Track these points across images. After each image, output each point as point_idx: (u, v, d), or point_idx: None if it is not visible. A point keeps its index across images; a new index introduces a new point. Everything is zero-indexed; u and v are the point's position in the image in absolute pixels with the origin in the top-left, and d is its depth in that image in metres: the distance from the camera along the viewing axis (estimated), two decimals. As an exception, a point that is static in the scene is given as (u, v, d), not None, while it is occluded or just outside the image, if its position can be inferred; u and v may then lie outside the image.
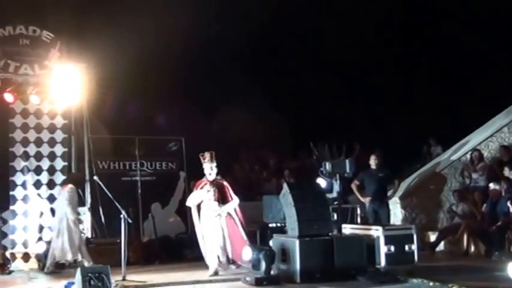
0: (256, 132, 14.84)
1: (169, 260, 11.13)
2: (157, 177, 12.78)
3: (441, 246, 11.55)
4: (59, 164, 12.04)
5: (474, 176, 11.92)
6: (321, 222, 8.76)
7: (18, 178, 11.69)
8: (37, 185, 11.81)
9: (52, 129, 12.05)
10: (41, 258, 10.89)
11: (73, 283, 8.29)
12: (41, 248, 11.03)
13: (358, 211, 11.80)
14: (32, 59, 11.50)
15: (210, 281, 8.82)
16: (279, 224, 11.16)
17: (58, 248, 10.16)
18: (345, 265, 8.47)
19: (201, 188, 9.69)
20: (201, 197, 9.59)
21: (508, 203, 10.41)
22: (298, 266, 8.35)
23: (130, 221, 9.10)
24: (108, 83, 12.04)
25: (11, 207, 11.55)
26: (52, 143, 12.03)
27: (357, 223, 11.05)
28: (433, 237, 11.70)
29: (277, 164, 14.73)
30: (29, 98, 11.60)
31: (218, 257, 9.53)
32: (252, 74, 15.17)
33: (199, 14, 13.62)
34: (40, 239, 11.52)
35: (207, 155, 9.68)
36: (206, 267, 10.43)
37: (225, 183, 9.81)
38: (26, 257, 11.46)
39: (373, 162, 11.34)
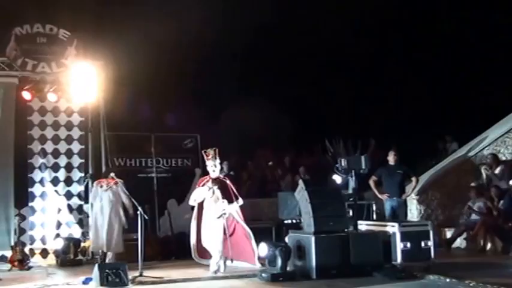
0: (271, 129, 14.86)
1: (185, 256, 11.16)
2: (173, 174, 12.83)
3: (457, 243, 11.50)
4: (76, 161, 12.16)
5: (494, 180, 11.84)
6: (336, 219, 8.77)
7: (36, 175, 11.83)
8: (54, 181, 11.94)
9: (69, 126, 12.18)
10: (59, 254, 11.02)
11: (91, 279, 8.40)
12: (58, 244, 11.14)
13: (374, 207, 11.78)
14: (49, 57, 11.59)
15: (226, 277, 8.84)
16: (294, 221, 11.19)
17: (98, 239, 10.28)
18: (361, 261, 8.47)
19: (203, 185, 9.44)
20: (203, 195, 9.34)
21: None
22: (314, 262, 8.37)
23: (146, 217, 9.14)
24: (125, 81, 12.10)
25: (30, 204, 11.70)
26: (69, 140, 12.16)
27: (372, 219, 11.03)
28: (449, 233, 11.65)
29: (292, 161, 14.74)
30: (46, 95, 11.72)
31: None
32: (267, 71, 15.19)
33: (213, 13, 13.66)
34: (58, 235, 11.65)
35: (210, 152, 9.47)
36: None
37: (228, 181, 9.59)
38: (44, 253, 11.62)
39: (391, 158, 11.26)
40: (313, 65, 15.93)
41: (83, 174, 12.09)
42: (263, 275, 8.49)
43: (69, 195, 12.00)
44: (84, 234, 11.78)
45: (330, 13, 15.46)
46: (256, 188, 14.16)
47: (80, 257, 11.13)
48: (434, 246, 8.98)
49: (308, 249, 8.49)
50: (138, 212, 8.92)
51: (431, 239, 8.92)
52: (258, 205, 13.31)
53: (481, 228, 11.00)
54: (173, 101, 13.43)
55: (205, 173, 13.22)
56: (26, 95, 11.52)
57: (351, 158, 10.13)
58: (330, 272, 8.33)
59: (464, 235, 11.43)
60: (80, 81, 11.15)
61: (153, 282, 8.45)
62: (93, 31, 11.93)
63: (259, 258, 9.37)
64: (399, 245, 8.73)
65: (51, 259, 11.36)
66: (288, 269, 8.54)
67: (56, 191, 11.90)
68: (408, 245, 8.76)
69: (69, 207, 11.96)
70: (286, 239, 9.29)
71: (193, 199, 9.42)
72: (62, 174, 12.02)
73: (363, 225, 9.56)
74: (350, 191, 10.96)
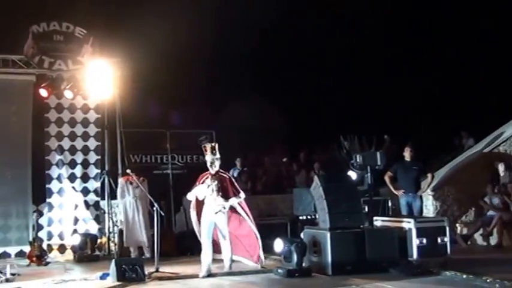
0: (286, 126, 14.85)
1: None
2: (188, 170, 12.85)
3: (474, 239, 11.45)
4: (93, 157, 12.27)
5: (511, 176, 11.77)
6: (352, 215, 8.75)
7: (54, 171, 11.96)
8: (71, 178, 12.06)
9: (85, 123, 12.28)
10: (76, 250, 11.13)
11: (108, 274, 8.46)
12: (76, 239, 11.24)
13: (390, 203, 11.76)
14: (65, 54, 11.67)
15: (242, 273, 8.84)
16: (309, 217, 11.21)
17: (136, 235, 10.48)
18: (377, 257, 8.45)
19: (203, 182, 9.05)
20: (203, 192, 8.97)
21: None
22: (329, 258, 8.37)
23: (163, 213, 9.18)
24: (140, 77, 12.18)
25: (47, 200, 11.83)
26: (85, 136, 12.26)
27: (388, 215, 11.01)
28: (465, 229, 11.60)
29: (307, 157, 14.74)
30: (62, 93, 11.82)
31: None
32: (282, 67, 15.18)
33: (228, 10, 13.68)
34: (75, 231, 11.76)
35: (208, 146, 9.11)
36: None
37: (227, 176, 9.23)
38: (61, 249, 11.76)
39: (407, 154, 11.21)
40: (328, 60, 15.90)
41: (99, 171, 12.18)
42: (279, 270, 8.51)
43: (85, 192, 12.12)
44: (101, 230, 11.91)
45: (342, 6, 15.40)
46: (272, 184, 14.19)
47: (96, 252, 11.25)
48: (450, 242, 8.95)
49: (324, 245, 8.49)
50: (155, 208, 8.96)
51: (448, 235, 8.89)
52: (273, 201, 13.35)
53: (498, 224, 10.95)
54: (189, 98, 13.47)
55: (221, 169, 13.37)
56: (43, 92, 11.63)
57: (366, 154, 10.11)
58: (345, 268, 8.32)
59: (481, 231, 11.37)
60: (96, 79, 11.23)
61: (169, 278, 8.49)
62: (108, 29, 12.04)
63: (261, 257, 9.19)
64: (415, 241, 8.70)
65: (69, 255, 11.50)
66: (303, 265, 8.55)
67: (73, 187, 12.02)
68: (424, 241, 8.72)
69: (86, 203, 12.07)
70: (302, 235, 9.29)
71: (194, 195, 9.10)
72: (78, 170, 12.13)
73: (378, 221, 9.54)
74: (365, 187, 10.94)
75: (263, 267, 9.08)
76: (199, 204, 9.16)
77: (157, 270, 8.72)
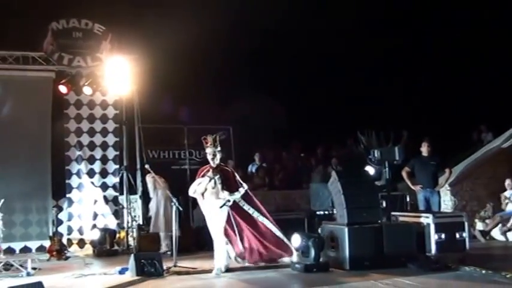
0: (303, 120, 14.84)
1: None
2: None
3: (493, 234, 11.38)
4: (111, 153, 12.38)
5: None
6: (370, 210, 8.72)
7: (73, 167, 12.09)
8: (90, 173, 12.18)
9: (104, 119, 12.40)
10: (96, 245, 11.24)
11: (127, 269, 8.53)
12: (95, 234, 11.35)
13: (408, 198, 11.72)
14: (84, 51, 11.78)
15: (259, 268, 8.85)
16: (326, 212, 11.22)
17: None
18: (395, 252, 8.41)
19: (203, 175, 8.71)
20: (204, 185, 8.62)
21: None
22: (347, 253, 8.36)
23: (181, 208, 9.23)
24: (158, 74, 12.24)
25: (67, 195, 11.97)
26: (104, 132, 12.38)
27: (406, 210, 10.98)
28: (484, 225, 11.53)
29: (324, 152, 14.73)
30: (82, 89, 11.95)
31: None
32: (300, 62, 15.15)
33: (248, 6, 13.68)
34: (94, 226, 11.88)
35: (209, 138, 8.76)
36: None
37: (229, 169, 8.89)
38: (81, 243, 11.90)
39: (424, 149, 11.16)
40: (346, 56, 15.84)
41: (117, 166, 12.29)
42: (296, 265, 8.52)
43: (104, 187, 12.24)
44: (120, 225, 12.02)
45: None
46: (289, 179, 14.20)
47: (115, 247, 11.36)
48: (468, 238, 8.90)
49: (341, 240, 8.48)
50: (173, 204, 9.02)
51: (466, 231, 8.85)
52: (290, 196, 13.38)
53: (517, 220, 10.89)
54: (206, 94, 13.51)
55: (238, 165, 13.41)
56: (63, 88, 11.77)
57: (384, 149, 10.09)
58: (363, 263, 8.30)
59: (500, 226, 11.30)
60: (115, 75, 11.35)
61: (187, 273, 8.53)
62: (126, 26, 12.11)
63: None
64: (433, 236, 8.68)
65: (88, 249, 11.63)
66: (321, 260, 8.55)
67: (92, 183, 12.15)
68: (443, 236, 8.70)
69: (105, 198, 12.20)
70: (319, 230, 9.29)
71: (193, 190, 8.73)
72: (97, 166, 12.25)
73: (396, 217, 9.53)
74: (383, 182, 10.91)
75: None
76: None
77: (175, 265, 8.76)
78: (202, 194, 8.64)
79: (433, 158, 11.19)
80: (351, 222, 8.53)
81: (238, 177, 8.85)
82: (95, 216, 12.09)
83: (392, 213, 9.57)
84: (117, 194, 12.25)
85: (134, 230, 11.20)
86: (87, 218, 12.02)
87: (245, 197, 8.82)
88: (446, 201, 12.16)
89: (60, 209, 11.64)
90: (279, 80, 14.78)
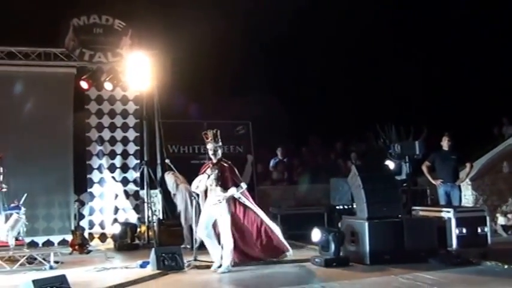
0: (323, 115, 14.81)
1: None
2: (225, 161, 12.98)
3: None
4: (132, 148, 12.46)
5: None
6: (390, 204, 8.70)
7: (94, 162, 12.20)
8: (111, 168, 12.28)
9: (125, 114, 12.48)
10: (117, 239, 11.34)
11: (148, 262, 8.60)
12: (116, 228, 11.46)
13: (428, 193, 11.66)
14: (105, 47, 11.88)
15: (279, 262, 8.86)
16: (346, 206, 11.22)
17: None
18: (415, 247, 8.40)
19: (204, 172, 8.57)
20: (204, 183, 8.47)
21: None
22: (367, 248, 8.37)
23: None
24: (178, 69, 12.29)
25: (89, 190, 12.08)
26: (125, 128, 12.46)
27: (427, 205, 10.94)
28: (506, 219, 11.43)
29: (343, 147, 14.72)
30: (102, 85, 12.03)
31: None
32: (318, 56, 15.11)
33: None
34: (115, 220, 11.99)
35: (210, 134, 8.58)
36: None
37: (227, 165, 8.55)
38: (102, 237, 12.02)
39: (445, 143, 11.09)
40: (365, 49, 15.77)
41: (138, 161, 12.38)
42: (316, 260, 8.54)
43: (125, 182, 12.33)
44: (140, 220, 12.12)
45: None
46: (308, 174, 14.21)
47: (136, 241, 11.44)
48: (490, 232, 8.85)
49: (361, 234, 8.49)
50: (193, 198, 9.05)
51: (488, 225, 8.79)
52: (310, 190, 13.39)
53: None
54: (226, 88, 13.55)
55: (257, 160, 13.46)
56: (84, 84, 11.86)
57: (405, 144, 10.07)
58: (383, 258, 8.30)
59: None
60: (135, 70, 11.42)
61: (207, 266, 8.56)
62: (147, 21, 12.16)
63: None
64: (455, 231, 8.65)
65: (109, 243, 11.74)
66: (341, 254, 8.56)
67: (113, 178, 12.25)
68: (464, 230, 8.67)
69: (126, 193, 12.29)
70: (339, 225, 9.30)
71: (195, 186, 8.62)
72: (118, 161, 12.34)
73: (417, 211, 9.50)
74: (404, 177, 10.88)
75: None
76: None
77: (195, 259, 8.82)
78: (206, 191, 8.51)
79: (453, 152, 11.12)
80: (371, 217, 8.52)
81: (237, 174, 8.59)
82: (116, 210, 12.20)
83: (413, 207, 9.54)
84: (138, 188, 12.33)
85: (155, 224, 11.28)
86: (108, 213, 12.13)
87: (244, 195, 8.62)
88: (467, 196, 12.09)
89: (82, 204, 11.77)
90: (298, 74, 14.76)
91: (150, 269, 8.44)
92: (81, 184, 11.99)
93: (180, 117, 12.70)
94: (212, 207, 8.41)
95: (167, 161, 10.43)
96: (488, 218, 8.92)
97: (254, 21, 13.80)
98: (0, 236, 9.36)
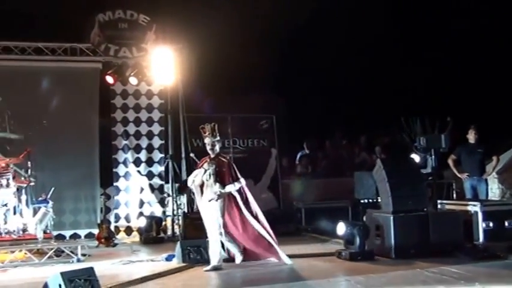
0: (347, 109, 14.75)
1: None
2: (249, 154, 13.03)
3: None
4: (157, 142, 12.56)
5: None
6: (415, 198, 8.63)
7: (120, 156, 12.33)
8: (137, 162, 12.40)
9: (149, 108, 12.58)
10: (142, 232, 11.45)
11: (173, 256, 8.67)
12: (141, 222, 11.56)
13: (454, 187, 11.56)
14: (130, 42, 11.98)
15: (303, 256, 8.89)
16: (370, 200, 11.17)
17: None
18: (441, 241, 8.32)
19: (201, 166, 8.30)
20: (200, 177, 8.19)
21: None
22: (392, 242, 8.31)
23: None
24: (202, 63, 12.31)
25: (114, 184, 12.22)
26: (150, 122, 12.56)
27: (453, 199, 10.85)
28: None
29: (367, 140, 14.64)
30: (127, 79, 12.13)
31: (226, 248, 8.44)
32: (342, 49, 15.02)
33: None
34: (141, 213, 12.10)
35: (207, 128, 8.34)
36: (300, 241, 10.66)
37: (226, 161, 8.27)
38: (128, 231, 12.16)
39: (471, 136, 10.97)
40: (389, 42, 15.65)
41: (163, 155, 12.48)
42: (341, 253, 8.52)
43: (150, 176, 12.45)
44: (165, 213, 12.21)
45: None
46: (332, 167, 14.18)
47: (161, 234, 11.54)
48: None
49: (387, 228, 8.43)
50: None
51: (515, 219, 8.70)
52: (333, 184, 13.37)
53: None
54: (249, 82, 13.53)
55: (281, 153, 13.46)
56: (109, 79, 11.98)
57: (430, 137, 9.97)
58: (409, 252, 8.24)
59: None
60: (159, 65, 11.48)
61: (232, 260, 8.53)
62: (171, 16, 12.21)
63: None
64: (481, 225, 8.55)
65: (135, 236, 11.87)
66: (366, 248, 8.54)
67: (138, 171, 12.38)
68: (491, 224, 8.57)
69: (151, 187, 12.41)
70: (364, 218, 9.26)
71: (191, 181, 8.34)
72: (143, 155, 12.46)
73: (442, 205, 9.42)
74: (429, 170, 10.79)
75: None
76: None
77: (220, 253, 8.85)
78: (201, 186, 8.22)
79: (480, 145, 10.99)
80: (396, 211, 8.46)
81: (235, 170, 8.23)
82: (141, 204, 12.32)
83: (439, 201, 9.47)
84: (163, 182, 12.44)
85: (180, 217, 11.36)
86: (133, 206, 12.26)
87: (241, 192, 8.29)
88: (494, 190, 11.94)
89: (108, 197, 11.90)
90: (322, 67, 14.67)
91: (176, 262, 8.50)
92: (107, 178, 12.13)
93: (204, 111, 12.72)
94: (209, 204, 8.12)
95: (192, 154, 10.43)
96: (515, 212, 8.80)
97: (279, 15, 13.74)
98: (29, 229, 9.53)
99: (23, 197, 9.89)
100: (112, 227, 11.54)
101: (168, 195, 12.21)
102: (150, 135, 12.53)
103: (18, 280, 7.69)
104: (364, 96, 15.28)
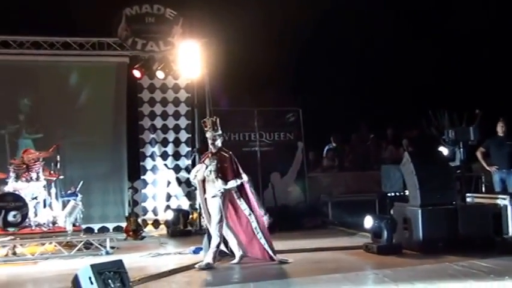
0: (374, 102, 14.62)
1: (289, 228, 11.35)
2: (276, 148, 13.02)
3: None
4: (183, 136, 12.65)
5: None
6: (444, 191, 8.54)
7: (147, 150, 12.44)
8: (164, 156, 12.50)
9: (176, 102, 12.67)
10: (170, 225, 11.54)
11: (201, 248, 8.70)
12: (169, 215, 11.65)
13: (483, 180, 11.41)
14: (157, 36, 12.08)
15: (331, 249, 8.88)
16: (397, 193, 11.09)
17: None
18: (470, 235, 8.22)
19: (203, 162, 8.14)
20: (201, 173, 7.99)
21: None
22: (420, 235, 8.24)
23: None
24: (228, 57, 12.33)
25: (142, 177, 12.33)
26: (176, 115, 12.65)
27: (481, 192, 10.71)
28: None
29: (394, 133, 14.52)
30: (154, 73, 12.21)
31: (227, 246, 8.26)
32: (369, 42, 14.90)
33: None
34: (168, 207, 12.20)
35: (208, 121, 8.13)
36: (326, 235, 10.65)
37: (228, 156, 8.00)
38: (156, 224, 12.26)
39: (500, 129, 10.82)
40: (414, 34, 15.47)
41: (189, 149, 12.55)
42: (369, 247, 8.49)
43: (177, 169, 12.54)
44: (192, 206, 12.27)
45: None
46: (359, 161, 14.11)
47: (188, 227, 11.61)
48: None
49: (414, 221, 8.37)
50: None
51: (548, 212, 8.55)
52: (360, 178, 13.32)
53: None
54: (275, 76, 13.50)
55: (308, 147, 13.42)
56: (136, 73, 12.06)
57: (459, 129, 9.85)
58: (437, 245, 8.16)
59: None
60: (186, 59, 11.50)
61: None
62: (197, 10, 12.24)
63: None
64: (511, 218, 8.43)
65: (162, 229, 11.96)
66: (393, 241, 8.49)
67: (166, 165, 12.47)
68: (521, 217, 8.45)
69: (178, 180, 12.49)
70: (392, 212, 9.20)
71: (193, 176, 8.20)
72: (170, 148, 12.55)
73: (471, 198, 9.32)
74: (457, 163, 10.67)
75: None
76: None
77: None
78: (204, 181, 8.03)
79: (509, 137, 10.83)
80: (424, 204, 8.39)
81: (238, 165, 7.99)
82: (169, 197, 12.42)
83: (467, 194, 9.36)
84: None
85: (207, 210, 11.38)
86: (161, 199, 12.36)
87: (240, 189, 8.06)
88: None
89: (136, 191, 12.01)
90: (349, 59, 14.57)
91: (203, 255, 8.52)
92: (134, 171, 12.27)
93: (231, 105, 12.75)
94: (212, 200, 7.95)
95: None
96: (547, 205, 8.65)
97: (304, 7, 13.65)
98: (59, 222, 9.67)
99: (53, 190, 10.07)
100: (140, 220, 11.63)
101: (195, 189, 12.23)
102: (176, 129, 12.61)
103: (49, 272, 7.81)
104: (391, 89, 15.14)
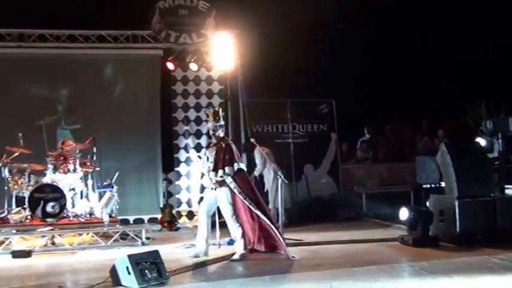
0: (409, 92, 14.45)
1: (322, 220, 11.34)
2: (309, 139, 12.98)
3: None
4: (217, 127, 12.64)
5: None
6: (481, 183, 8.41)
7: (181, 142, 12.52)
8: (197, 148, 12.54)
9: (209, 94, 12.70)
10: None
11: (234, 240, 8.74)
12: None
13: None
14: (190, 28, 12.13)
15: (365, 241, 8.83)
16: (432, 185, 10.94)
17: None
18: (508, 227, 8.10)
19: (205, 153, 8.12)
20: (206, 165, 7.92)
21: None
22: (457, 227, 8.13)
23: (286, 182, 9.27)
24: (261, 48, 12.31)
25: (176, 169, 12.41)
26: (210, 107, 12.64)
27: (520, 184, 10.48)
28: None
29: (430, 124, 14.34)
30: (188, 65, 12.26)
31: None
32: (403, 33, 14.71)
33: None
34: (201, 198, 12.21)
35: (209, 112, 8.03)
36: (361, 227, 10.59)
37: (225, 145, 7.81)
38: (190, 215, 12.33)
39: (540, 119, 10.58)
40: (450, 24, 15.22)
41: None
42: (404, 239, 8.41)
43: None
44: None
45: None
46: (394, 152, 13.98)
47: (222, 219, 11.61)
48: None
49: (451, 213, 8.26)
50: (278, 177, 9.07)
51: None
52: (395, 169, 13.21)
53: None
54: (308, 67, 13.42)
55: (341, 138, 13.34)
56: (170, 65, 12.13)
57: (497, 120, 9.67)
58: (474, 238, 8.08)
59: None
60: (219, 51, 11.53)
61: (294, 244, 8.58)
62: (230, 1, 12.25)
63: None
64: (550, 210, 8.26)
65: (196, 221, 11.99)
66: (430, 233, 8.39)
67: (199, 157, 12.48)
68: None
69: (211, 172, 12.50)
70: (427, 203, 9.09)
71: (202, 165, 8.23)
72: (203, 140, 12.57)
73: (510, 190, 9.15)
74: (495, 154, 10.47)
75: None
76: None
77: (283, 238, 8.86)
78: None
79: (550, 127, 10.57)
80: (461, 196, 8.28)
81: (232, 154, 7.75)
82: (202, 189, 12.37)
83: (506, 186, 9.19)
84: (223, 167, 12.52)
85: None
86: (194, 191, 12.43)
87: (239, 180, 7.83)
88: None
89: (170, 182, 12.09)
90: (383, 50, 14.42)
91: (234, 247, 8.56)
92: (169, 163, 12.34)
93: (264, 96, 12.73)
94: (210, 193, 7.94)
95: (252, 140, 10.45)
96: None
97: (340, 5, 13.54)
98: (95, 213, 9.81)
99: (89, 182, 10.21)
100: (174, 212, 11.72)
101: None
102: (210, 121, 12.62)
103: (87, 262, 7.92)
104: (426, 79, 14.95)
